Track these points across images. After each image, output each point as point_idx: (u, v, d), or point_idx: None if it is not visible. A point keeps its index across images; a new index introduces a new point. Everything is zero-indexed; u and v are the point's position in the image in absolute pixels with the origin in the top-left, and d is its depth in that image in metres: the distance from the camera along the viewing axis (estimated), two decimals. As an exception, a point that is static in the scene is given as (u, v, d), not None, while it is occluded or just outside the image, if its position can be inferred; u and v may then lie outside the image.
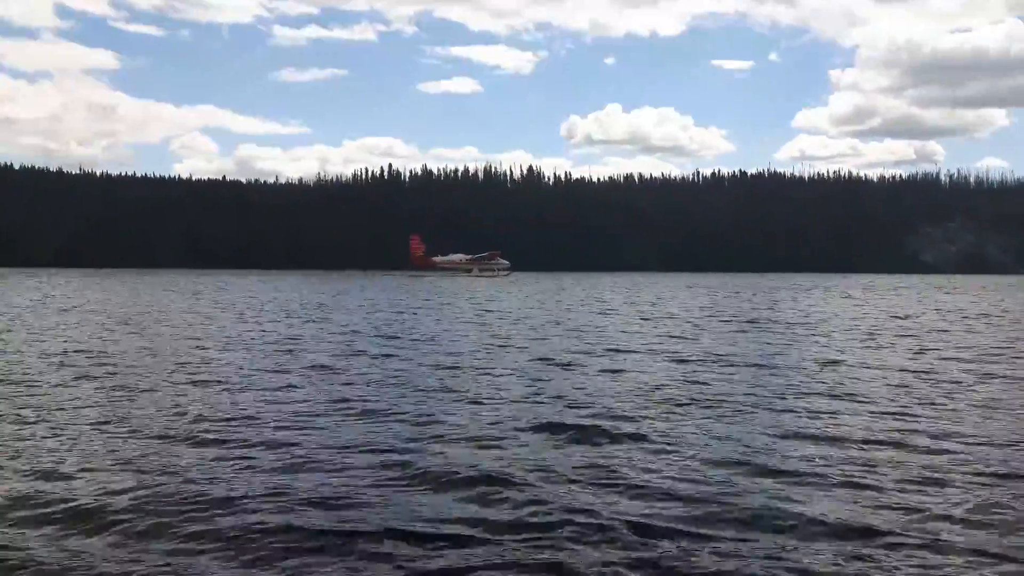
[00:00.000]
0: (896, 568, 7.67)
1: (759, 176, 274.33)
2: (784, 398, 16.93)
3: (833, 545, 8.21)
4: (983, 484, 10.36)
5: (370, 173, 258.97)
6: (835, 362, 23.62)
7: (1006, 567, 7.69)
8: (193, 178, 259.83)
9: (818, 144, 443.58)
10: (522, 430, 13.46)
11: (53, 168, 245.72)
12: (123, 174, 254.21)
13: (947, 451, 12.09)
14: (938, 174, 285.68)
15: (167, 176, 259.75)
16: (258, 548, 8.11)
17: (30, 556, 7.78)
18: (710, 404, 15.99)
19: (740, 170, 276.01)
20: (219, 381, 18.70)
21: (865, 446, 12.44)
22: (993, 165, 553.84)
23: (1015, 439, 12.94)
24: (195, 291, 74.26)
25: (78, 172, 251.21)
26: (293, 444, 12.34)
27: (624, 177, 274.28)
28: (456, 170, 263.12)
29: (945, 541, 8.33)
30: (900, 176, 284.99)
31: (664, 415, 14.84)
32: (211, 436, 12.84)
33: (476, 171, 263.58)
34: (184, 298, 61.51)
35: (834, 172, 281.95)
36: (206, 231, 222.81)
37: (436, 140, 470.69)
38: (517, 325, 37.68)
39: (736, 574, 7.52)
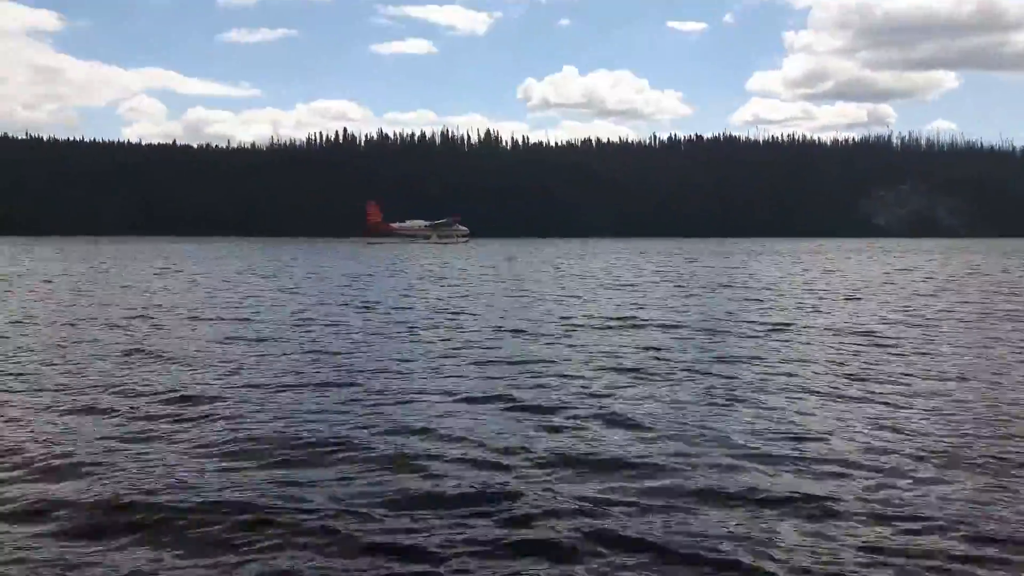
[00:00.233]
0: (851, 536, 7.62)
1: (715, 140, 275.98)
2: (736, 362, 17.00)
3: (789, 515, 8.15)
4: (937, 450, 10.37)
5: (324, 137, 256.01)
6: (785, 324, 23.95)
7: (961, 533, 7.70)
8: (143, 143, 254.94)
9: (771, 107, 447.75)
10: (474, 401, 13.26)
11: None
12: (71, 139, 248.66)
13: (898, 417, 12.13)
14: (889, 137, 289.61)
15: (116, 141, 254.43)
16: (209, 531, 7.81)
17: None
18: (663, 370, 15.94)
19: (696, 134, 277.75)
20: (156, 354, 18.22)
21: (817, 411, 12.46)
22: (943, 127, 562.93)
23: (964, 399, 13.11)
24: (136, 259, 72.86)
25: (24, 137, 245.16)
26: (239, 419, 12.02)
27: (581, 141, 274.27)
28: (412, 134, 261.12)
29: (897, 507, 8.33)
30: (852, 139, 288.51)
31: (616, 383, 14.74)
32: (147, 411, 12.48)
33: (433, 135, 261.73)
34: (125, 266, 60.27)
35: (787, 136, 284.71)
36: (157, 197, 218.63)
37: (391, 103, 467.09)
38: (470, 294, 37.43)
39: (690, 546, 7.39)
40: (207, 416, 12.18)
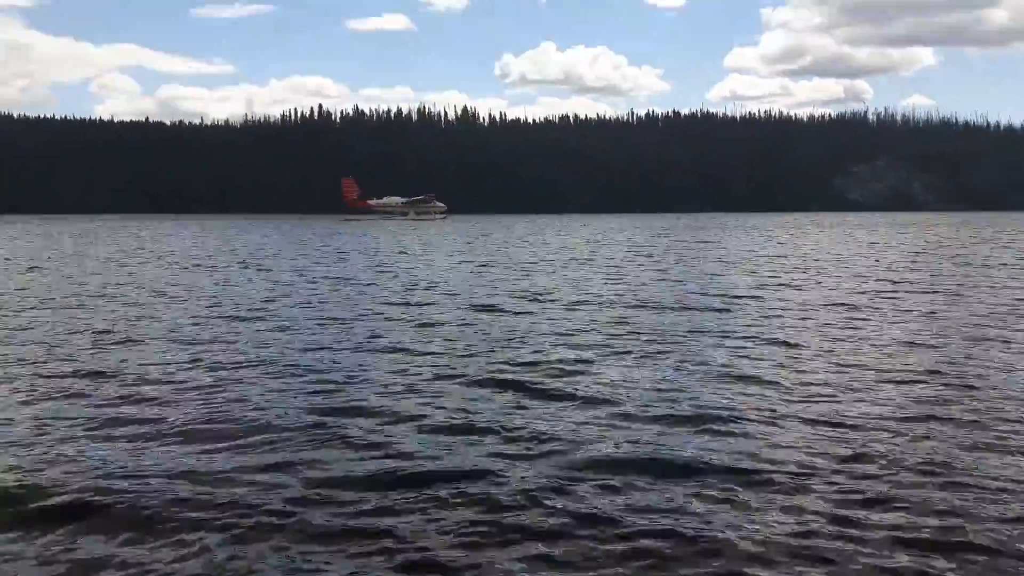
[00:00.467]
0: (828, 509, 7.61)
1: (692, 116, 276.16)
2: (707, 336, 17.04)
3: (764, 488, 8.15)
4: (906, 421, 10.42)
5: (299, 114, 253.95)
6: (756, 298, 24.13)
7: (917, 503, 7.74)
8: (115, 120, 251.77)
9: (749, 83, 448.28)
10: (447, 379, 13.15)
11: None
12: (41, 116, 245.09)
13: (867, 389, 12.17)
14: (866, 113, 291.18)
15: (88, 118, 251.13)
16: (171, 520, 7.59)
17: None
18: (635, 346, 15.89)
19: (674, 110, 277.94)
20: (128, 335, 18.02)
21: (787, 386, 12.45)
22: (919, 103, 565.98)
23: (937, 370, 13.14)
24: (102, 238, 72.10)
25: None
26: (211, 400, 11.84)
27: (560, 118, 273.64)
28: (389, 110, 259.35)
29: (866, 483, 8.31)
30: (829, 115, 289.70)
31: (589, 359, 14.68)
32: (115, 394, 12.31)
33: (410, 112, 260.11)
34: (93, 246, 59.63)
35: (764, 112, 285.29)
36: (131, 176, 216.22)
37: (367, 79, 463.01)
38: (446, 270, 37.34)
39: (668, 523, 7.34)
40: (171, 400, 11.89)
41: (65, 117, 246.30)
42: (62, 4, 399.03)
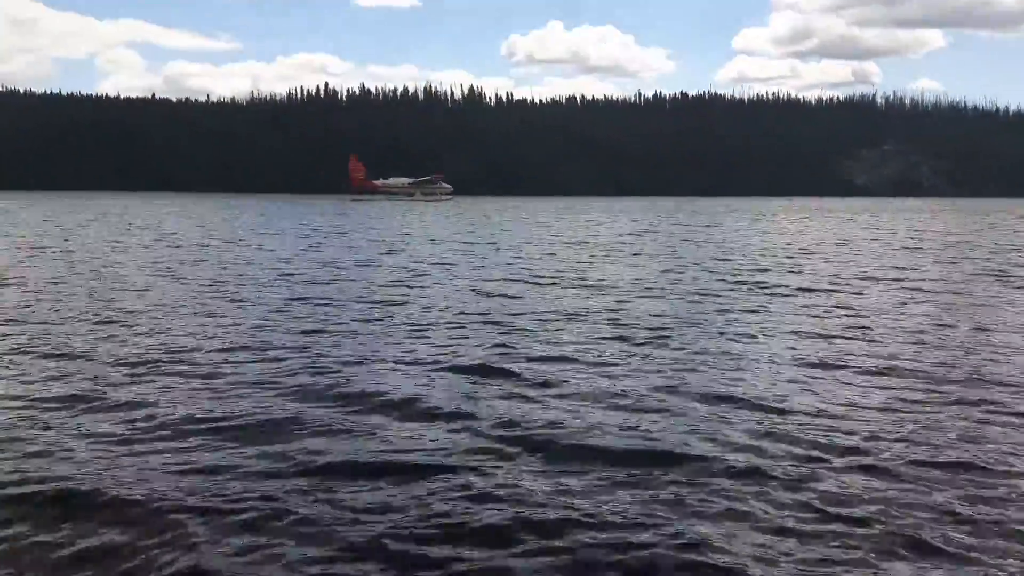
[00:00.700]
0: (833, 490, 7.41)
1: (699, 98, 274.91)
2: (703, 324, 16.79)
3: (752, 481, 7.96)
4: (908, 406, 10.34)
5: (306, 92, 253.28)
6: (759, 283, 23.91)
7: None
8: (120, 96, 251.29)
9: (757, 65, 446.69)
10: (443, 365, 12.95)
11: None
12: (47, 92, 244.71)
13: (870, 373, 11.96)
14: (874, 96, 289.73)
15: (93, 94, 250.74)
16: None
17: None
18: (629, 333, 15.67)
19: (681, 92, 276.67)
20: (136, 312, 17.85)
21: (786, 373, 12.26)
22: (928, 87, 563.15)
23: (943, 360, 12.91)
24: (105, 214, 72.01)
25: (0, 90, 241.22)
26: (216, 378, 11.86)
27: (566, 98, 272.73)
28: (395, 89, 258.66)
29: (876, 466, 8.26)
30: (836, 98, 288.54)
31: (587, 346, 14.46)
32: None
33: (416, 90, 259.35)
34: (100, 224, 59.54)
35: (772, 94, 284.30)
36: (135, 151, 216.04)
37: (373, 57, 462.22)
38: (446, 253, 37.17)
39: (659, 517, 7.16)
40: (161, 384, 11.71)
41: (70, 93, 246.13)
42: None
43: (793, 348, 14.56)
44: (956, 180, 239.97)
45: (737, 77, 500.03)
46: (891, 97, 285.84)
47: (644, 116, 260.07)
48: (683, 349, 14.34)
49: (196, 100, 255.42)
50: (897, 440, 9.17)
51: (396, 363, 13.11)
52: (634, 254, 36.05)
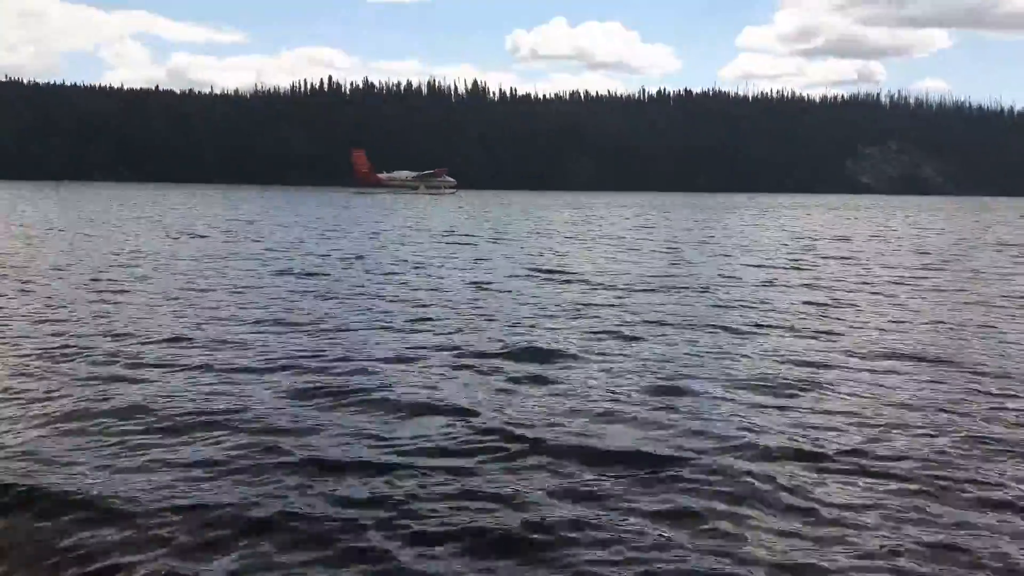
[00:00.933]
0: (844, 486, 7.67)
1: (704, 95, 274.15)
2: (710, 320, 16.88)
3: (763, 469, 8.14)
4: (914, 404, 10.42)
5: (310, 85, 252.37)
6: (768, 283, 23.90)
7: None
8: (125, 87, 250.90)
9: (762, 63, 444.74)
10: (444, 360, 13.09)
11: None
12: (51, 83, 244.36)
13: (868, 369, 12.19)
14: (879, 95, 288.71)
15: (98, 85, 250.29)
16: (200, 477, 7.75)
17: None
18: (637, 328, 15.86)
19: (686, 89, 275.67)
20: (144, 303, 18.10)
21: (793, 367, 12.50)
22: (933, 87, 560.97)
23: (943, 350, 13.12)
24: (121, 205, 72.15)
25: (5, 80, 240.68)
26: (224, 368, 11.98)
27: (570, 94, 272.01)
28: (399, 83, 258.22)
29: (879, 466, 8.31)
30: (842, 96, 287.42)
31: (592, 340, 14.65)
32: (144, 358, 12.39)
33: (420, 85, 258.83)
34: (109, 213, 59.70)
35: (777, 92, 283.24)
36: (139, 143, 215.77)
37: (377, 52, 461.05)
38: (448, 245, 37.34)
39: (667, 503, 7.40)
40: (157, 378, 11.78)
41: (75, 84, 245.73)
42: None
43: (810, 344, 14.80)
44: (960, 179, 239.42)
45: (742, 74, 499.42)
46: (896, 96, 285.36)
47: (648, 112, 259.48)
48: (693, 344, 14.37)
49: (200, 92, 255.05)
50: (910, 439, 9.13)
51: (394, 358, 12.84)
52: (634, 249, 36.19)
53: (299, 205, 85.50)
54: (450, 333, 15.11)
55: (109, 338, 13.98)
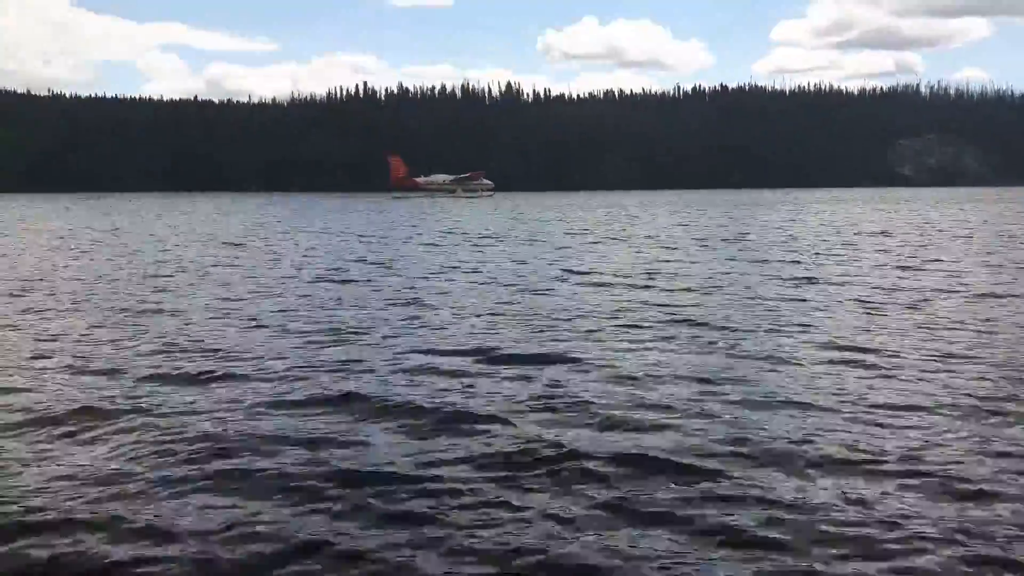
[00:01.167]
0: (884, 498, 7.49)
1: (739, 90, 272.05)
2: (754, 319, 16.67)
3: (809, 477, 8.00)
4: (955, 406, 10.15)
5: (345, 92, 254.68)
6: (810, 280, 23.56)
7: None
8: (164, 98, 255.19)
9: (797, 56, 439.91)
10: (484, 359, 13.14)
11: (15, 89, 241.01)
12: (92, 95, 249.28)
13: (912, 374, 11.91)
14: (918, 86, 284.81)
15: (137, 97, 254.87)
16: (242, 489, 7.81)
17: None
18: (676, 330, 15.67)
19: (721, 84, 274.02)
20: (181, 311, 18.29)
21: (831, 367, 12.29)
22: (972, 76, 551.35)
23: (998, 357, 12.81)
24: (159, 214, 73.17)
25: (46, 94, 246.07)
26: (257, 376, 11.99)
27: (604, 93, 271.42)
28: (433, 88, 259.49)
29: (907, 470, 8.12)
30: (880, 88, 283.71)
31: (631, 344, 14.49)
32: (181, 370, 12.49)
33: (453, 89, 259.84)
34: (151, 222, 60.55)
35: (813, 85, 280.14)
36: (178, 153, 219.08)
37: (409, 57, 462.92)
38: (486, 248, 37.34)
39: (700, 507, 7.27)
40: (210, 372, 12.14)
41: (115, 96, 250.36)
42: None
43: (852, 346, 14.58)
44: (1002, 169, 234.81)
45: (776, 69, 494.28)
46: (935, 87, 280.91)
47: (683, 109, 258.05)
48: (735, 347, 14.13)
49: (239, 101, 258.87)
50: (957, 445, 8.87)
51: (430, 366, 12.76)
52: (670, 247, 35.88)
53: (331, 211, 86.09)
54: (485, 338, 15.04)
55: (151, 351, 14.08)
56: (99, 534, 6.94)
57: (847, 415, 9.97)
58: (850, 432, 9.34)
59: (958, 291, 21.08)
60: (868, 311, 17.92)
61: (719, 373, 12.16)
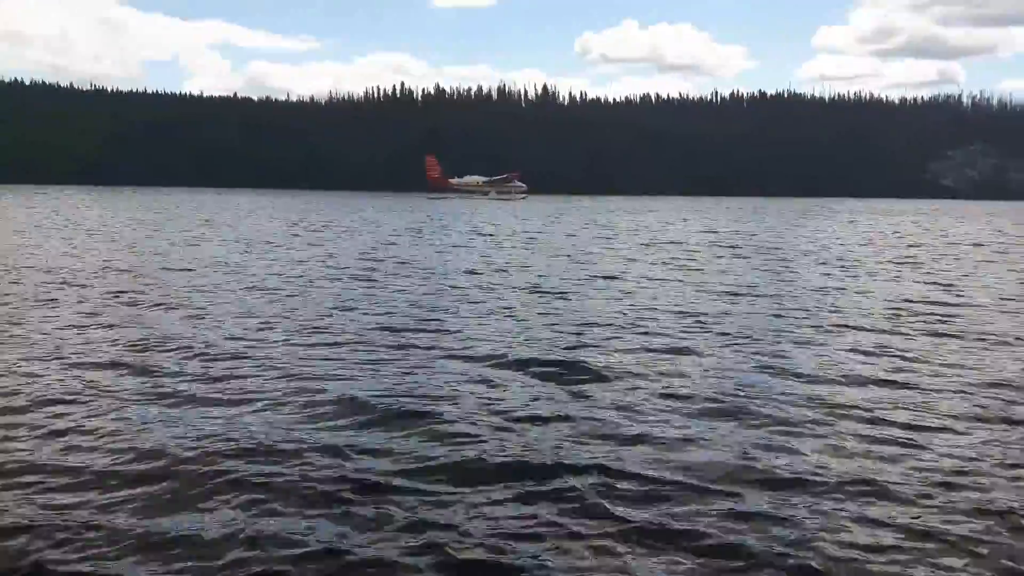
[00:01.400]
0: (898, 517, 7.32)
1: (778, 97, 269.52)
2: (781, 330, 16.43)
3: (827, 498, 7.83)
4: (976, 425, 9.94)
5: (383, 92, 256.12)
6: (841, 290, 23.31)
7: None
8: (204, 95, 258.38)
9: (838, 64, 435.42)
10: (507, 366, 13.04)
11: (64, 84, 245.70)
12: (135, 91, 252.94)
13: (942, 391, 11.65)
14: (960, 96, 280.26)
15: (179, 93, 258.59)
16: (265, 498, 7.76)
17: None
18: (703, 337, 15.49)
19: (760, 91, 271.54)
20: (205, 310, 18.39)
21: (859, 385, 12.02)
22: (1016, 87, 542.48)
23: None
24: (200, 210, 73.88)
25: (90, 89, 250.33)
26: (283, 379, 11.96)
27: (641, 97, 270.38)
28: (470, 89, 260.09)
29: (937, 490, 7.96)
30: (921, 98, 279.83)
31: (656, 353, 14.31)
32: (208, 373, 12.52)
33: (490, 90, 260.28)
34: (186, 219, 61.21)
35: (854, 93, 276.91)
36: (218, 150, 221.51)
37: (448, 57, 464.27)
38: (516, 251, 37.26)
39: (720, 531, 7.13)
40: (230, 372, 12.19)
41: (156, 92, 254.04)
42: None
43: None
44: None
45: (817, 76, 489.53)
46: (978, 97, 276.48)
47: (721, 115, 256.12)
48: (762, 359, 13.92)
49: (277, 99, 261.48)
50: (987, 469, 8.63)
51: (455, 373, 12.69)
52: (696, 253, 35.58)
53: (366, 210, 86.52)
54: (508, 345, 14.85)
55: (178, 348, 14.10)
56: (103, 539, 6.93)
57: (868, 436, 9.74)
58: (872, 453, 9.12)
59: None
60: (907, 332, 17.56)
61: (749, 386, 11.93)
